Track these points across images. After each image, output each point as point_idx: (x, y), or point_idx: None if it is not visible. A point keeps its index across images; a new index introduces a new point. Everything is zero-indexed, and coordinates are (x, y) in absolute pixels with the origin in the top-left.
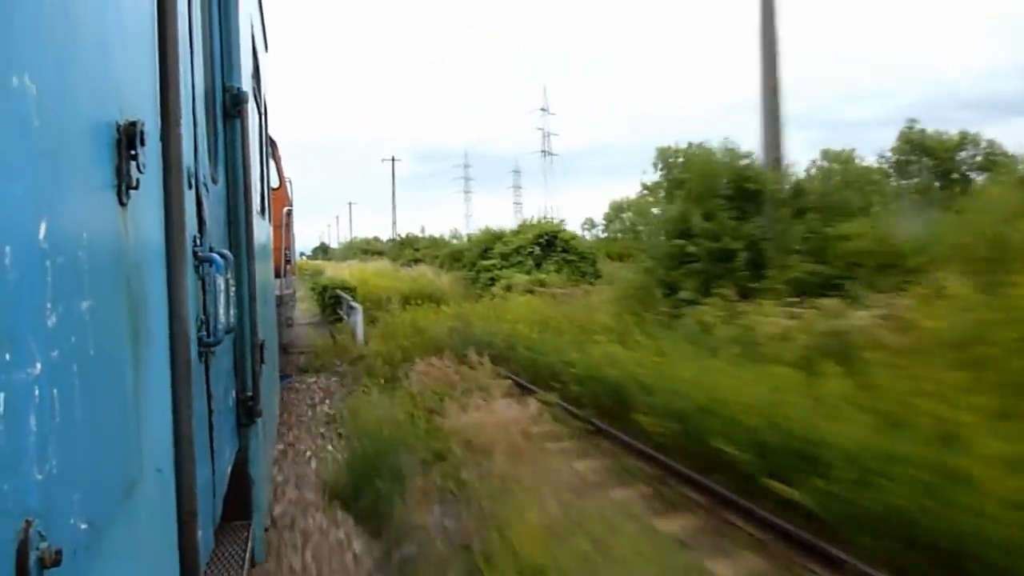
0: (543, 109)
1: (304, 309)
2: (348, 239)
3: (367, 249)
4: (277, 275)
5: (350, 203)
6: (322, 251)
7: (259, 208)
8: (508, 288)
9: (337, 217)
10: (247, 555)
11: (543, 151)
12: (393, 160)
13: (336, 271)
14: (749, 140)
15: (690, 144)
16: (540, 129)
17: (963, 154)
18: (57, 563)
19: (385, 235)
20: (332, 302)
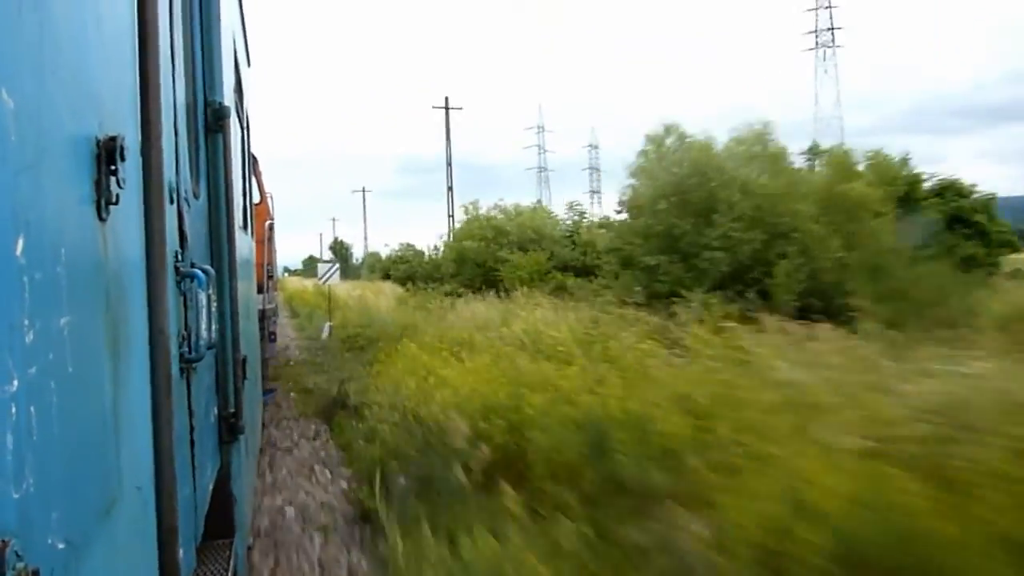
0: None
1: None
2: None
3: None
4: (260, 290)
5: (333, 219)
6: (341, 258)
7: (241, 223)
8: None
9: (321, 234)
10: (229, 574)
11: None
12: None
13: None
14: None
15: None
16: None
17: None
18: None
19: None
20: None
